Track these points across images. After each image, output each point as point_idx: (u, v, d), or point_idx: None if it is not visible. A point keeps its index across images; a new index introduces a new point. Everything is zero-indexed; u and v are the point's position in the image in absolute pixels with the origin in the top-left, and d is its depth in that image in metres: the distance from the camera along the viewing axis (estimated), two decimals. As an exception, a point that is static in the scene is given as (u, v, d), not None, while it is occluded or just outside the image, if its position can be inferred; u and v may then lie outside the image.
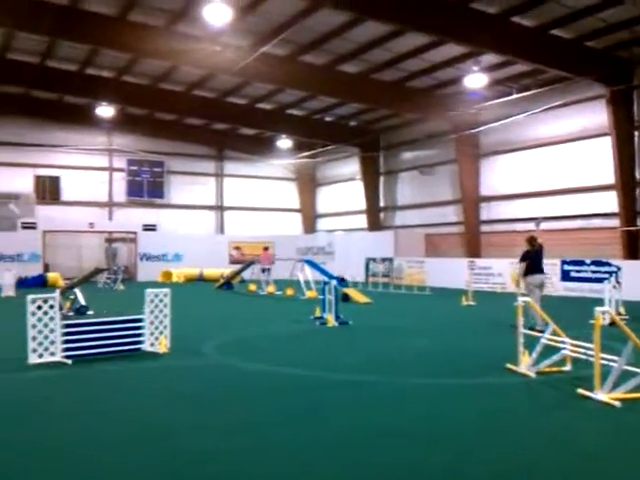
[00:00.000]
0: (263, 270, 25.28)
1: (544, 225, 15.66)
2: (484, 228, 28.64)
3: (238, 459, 5.25)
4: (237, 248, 36.34)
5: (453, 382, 8.20)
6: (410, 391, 7.68)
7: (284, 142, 35.28)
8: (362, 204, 35.22)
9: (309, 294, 21.13)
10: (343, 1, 18.04)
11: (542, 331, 11.20)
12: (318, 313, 14.77)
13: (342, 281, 23.03)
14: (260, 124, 33.34)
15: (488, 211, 28.57)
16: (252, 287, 24.80)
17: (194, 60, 22.69)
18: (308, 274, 22.67)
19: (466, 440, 5.73)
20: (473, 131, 27.82)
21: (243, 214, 39.04)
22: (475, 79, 22.97)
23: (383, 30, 20.87)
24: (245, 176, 38.95)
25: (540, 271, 12.74)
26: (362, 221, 35.47)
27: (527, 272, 12.69)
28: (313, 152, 36.54)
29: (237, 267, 28.94)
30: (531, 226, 15.43)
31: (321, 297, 15.18)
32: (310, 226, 40.32)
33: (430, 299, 21.94)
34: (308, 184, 40.46)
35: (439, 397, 7.39)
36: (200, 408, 6.91)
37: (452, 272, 25.83)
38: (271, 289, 23.87)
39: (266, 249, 27.50)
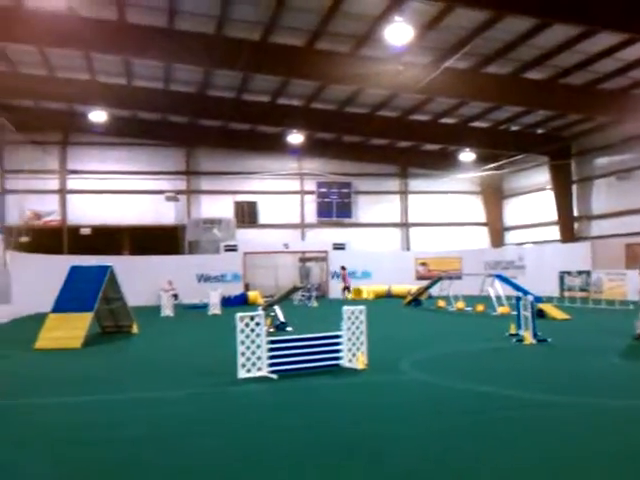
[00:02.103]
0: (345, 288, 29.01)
1: None
2: (696, 236, 26.09)
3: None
4: (423, 264, 36.32)
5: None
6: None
7: (468, 155, 34.81)
8: (553, 215, 33.62)
9: (501, 310, 20.61)
10: (529, 7, 17.59)
11: None
12: (513, 330, 14.37)
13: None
14: (443, 139, 33.23)
15: (699, 217, 26.02)
16: (441, 303, 24.65)
17: (378, 82, 23.24)
18: (499, 289, 22.10)
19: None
20: (678, 131, 25.56)
21: (428, 230, 38.97)
22: (678, 75, 21.15)
23: (572, 32, 19.96)
24: (429, 192, 38.90)
25: None
26: (554, 233, 33.83)
27: None
28: (499, 163, 35.60)
29: (424, 283, 28.95)
30: None
31: (514, 313, 14.76)
32: (498, 240, 39.20)
33: (634, 314, 20.34)
34: (494, 196, 39.44)
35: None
36: (404, 422, 7.07)
37: (660, 284, 23.75)
38: (460, 305, 23.59)
39: (343, 269, 32.64)
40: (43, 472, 5.67)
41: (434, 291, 27.66)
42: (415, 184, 39.13)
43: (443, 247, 37.25)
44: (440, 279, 27.01)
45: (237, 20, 20.30)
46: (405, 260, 35.98)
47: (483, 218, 39.89)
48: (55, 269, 19.41)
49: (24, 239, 28.65)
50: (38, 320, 16.10)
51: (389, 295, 32.47)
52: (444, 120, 30.81)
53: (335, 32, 20.84)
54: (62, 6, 19.11)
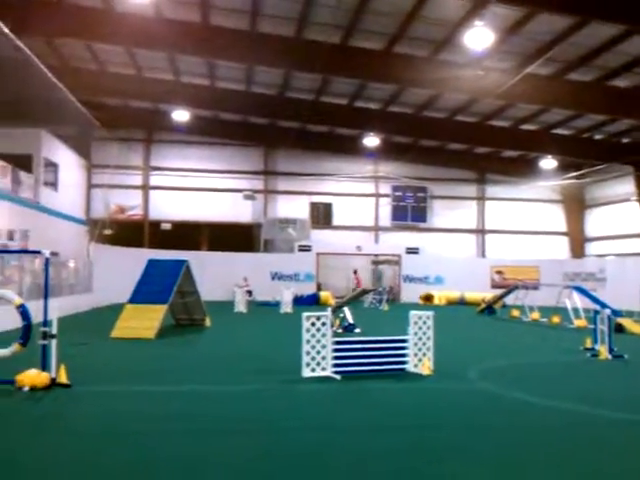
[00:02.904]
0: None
1: None
2: None
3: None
4: (499, 272, 35.61)
5: None
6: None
7: (549, 162, 33.87)
8: (638, 227, 32.30)
9: (577, 323, 20.00)
10: (616, 13, 17.01)
11: None
12: (589, 344, 13.93)
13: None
14: (523, 145, 32.43)
15: None
16: (515, 313, 24.12)
17: (457, 86, 23.01)
18: (577, 301, 21.45)
19: None
20: None
21: (505, 237, 38.14)
22: None
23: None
24: (507, 199, 38.09)
25: None
26: (638, 245, 32.49)
27: None
28: (581, 172, 34.46)
29: (499, 291, 28.38)
30: None
31: (591, 327, 14.30)
32: (578, 250, 37.94)
33: None
34: (576, 206, 38.21)
35: None
36: (466, 432, 7.01)
37: None
38: (535, 315, 23.03)
39: (355, 272, 33.40)
40: (105, 462, 5.93)
41: (509, 300, 27.07)
42: (493, 190, 38.38)
43: (520, 256, 36.39)
44: (516, 288, 26.45)
45: (317, 23, 20.52)
46: (480, 267, 35.41)
47: (563, 227, 38.72)
48: (135, 262, 20.08)
49: (107, 232, 29.84)
50: (116, 310, 16.78)
51: (462, 302, 32.01)
52: (525, 126, 30.11)
53: (414, 36, 20.75)
54: (149, 9, 19.87)
